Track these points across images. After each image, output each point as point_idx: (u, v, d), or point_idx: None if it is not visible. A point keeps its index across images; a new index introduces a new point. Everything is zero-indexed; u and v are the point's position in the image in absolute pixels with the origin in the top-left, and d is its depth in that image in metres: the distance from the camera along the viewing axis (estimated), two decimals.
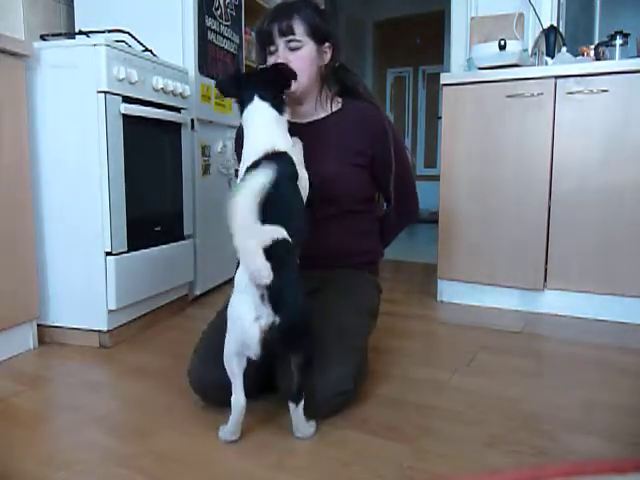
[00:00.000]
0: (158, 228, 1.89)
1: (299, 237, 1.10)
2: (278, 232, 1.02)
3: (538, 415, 1.22)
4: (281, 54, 1.32)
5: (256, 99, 1.21)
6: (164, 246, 1.90)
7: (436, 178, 2.31)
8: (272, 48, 1.34)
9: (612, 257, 1.91)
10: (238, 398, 1.06)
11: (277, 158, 1.14)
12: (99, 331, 1.68)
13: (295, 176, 1.17)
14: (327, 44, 1.36)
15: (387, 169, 1.42)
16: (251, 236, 0.95)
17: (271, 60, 1.35)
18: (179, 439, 1.11)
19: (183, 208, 2.03)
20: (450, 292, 2.24)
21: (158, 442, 1.10)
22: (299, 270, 1.07)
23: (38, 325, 1.68)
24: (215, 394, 1.21)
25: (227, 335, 1.05)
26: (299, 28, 1.31)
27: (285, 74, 1.25)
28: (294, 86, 1.34)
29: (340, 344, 1.21)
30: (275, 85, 1.24)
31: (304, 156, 1.35)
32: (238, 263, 1.02)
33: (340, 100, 1.44)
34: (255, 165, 1.13)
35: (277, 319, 0.98)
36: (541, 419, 1.20)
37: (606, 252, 1.92)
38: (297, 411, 1.08)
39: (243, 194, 0.93)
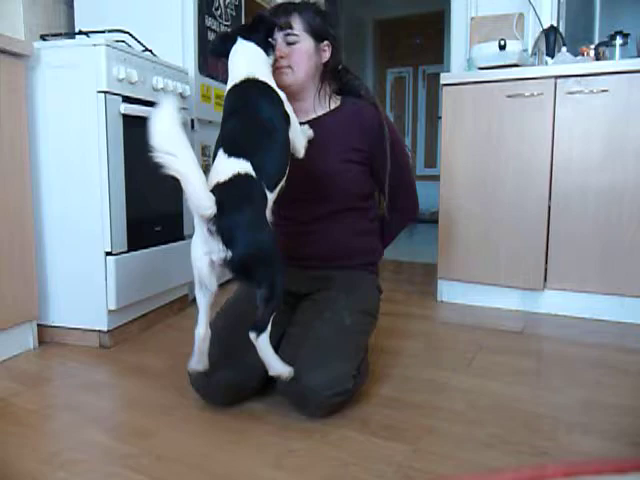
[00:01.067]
0: (158, 228, 1.89)
1: (272, 170, 1.08)
2: (240, 166, 1.02)
3: (538, 415, 1.22)
4: (278, 47, 1.33)
5: (239, 40, 1.19)
6: (164, 246, 1.90)
7: (436, 178, 2.31)
8: (272, 42, 1.34)
9: (612, 257, 1.91)
10: (199, 329, 1.08)
11: (257, 84, 1.13)
12: (99, 331, 1.68)
13: (276, 101, 1.14)
14: (326, 43, 1.38)
15: (383, 165, 1.42)
16: (191, 163, 0.93)
17: None
18: (179, 439, 1.11)
19: (183, 208, 2.03)
20: (450, 292, 2.24)
21: (158, 442, 1.10)
22: (261, 205, 1.05)
23: (38, 325, 1.68)
24: (215, 394, 1.21)
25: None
26: (297, 24, 1.34)
27: (268, 19, 1.24)
28: (291, 79, 1.35)
29: (340, 343, 1.22)
30: (259, 28, 1.21)
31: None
32: None
33: (339, 98, 1.45)
34: (234, 88, 1.12)
35: (229, 254, 0.97)
36: (541, 419, 1.20)
37: (606, 252, 1.92)
38: (258, 342, 1.05)
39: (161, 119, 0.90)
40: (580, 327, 1.90)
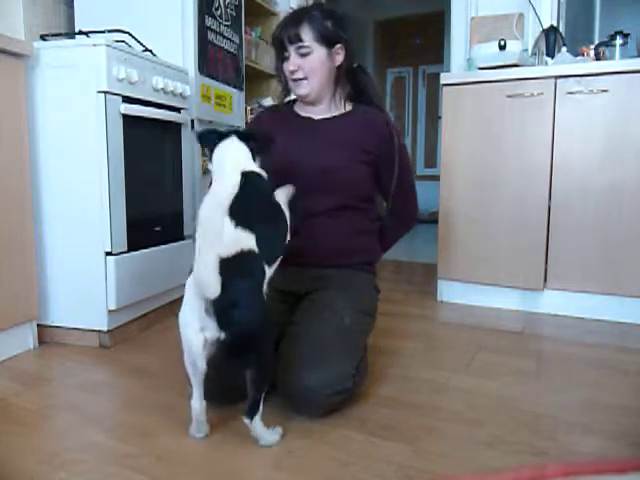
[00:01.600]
0: (158, 228, 1.89)
1: (274, 247, 1.09)
2: (246, 241, 0.99)
3: (538, 415, 1.22)
4: (292, 60, 1.38)
5: (233, 137, 1.16)
6: (164, 246, 1.90)
7: (436, 178, 2.31)
8: (285, 54, 1.39)
9: (612, 257, 1.91)
10: (195, 403, 1.06)
11: (255, 176, 1.12)
12: (99, 331, 1.68)
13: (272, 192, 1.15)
14: (338, 46, 1.39)
15: (390, 173, 1.44)
16: (216, 243, 0.93)
17: (285, 66, 1.40)
18: (179, 439, 1.11)
19: (183, 208, 2.03)
20: (450, 292, 2.24)
21: (158, 442, 1.10)
22: (260, 283, 1.03)
23: (38, 325, 1.68)
24: (215, 394, 1.21)
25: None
26: (307, 35, 1.35)
27: (266, 139, 1.21)
28: (307, 89, 1.39)
29: (339, 343, 1.22)
30: (256, 140, 1.18)
31: (312, 148, 1.40)
32: (191, 269, 0.99)
33: (351, 104, 1.48)
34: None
35: (222, 335, 0.95)
36: (541, 419, 1.20)
37: (606, 252, 1.92)
38: (253, 425, 1.04)
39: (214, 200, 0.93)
40: (580, 327, 1.90)
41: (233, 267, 0.94)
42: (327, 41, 1.37)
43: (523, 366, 1.53)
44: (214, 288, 0.92)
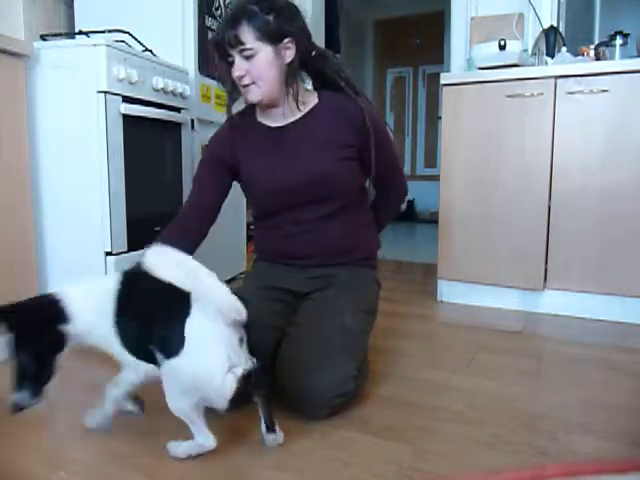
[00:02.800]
0: (158, 228, 1.88)
1: None
2: None
3: (538, 415, 1.22)
4: (237, 65, 1.25)
5: None
6: None
7: (436, 178, 2.32)
8: (230, 59, 1.27)
9: (612, 257, 1.91)
10: (210, 441, 1.00)
11: None
12: None
13: None
14: (286, 40, 1.25)
15: (370, 157, 1.36)
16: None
17: (232, 70, 1.28)
18: (179, 439, 1.10)
19: None
20: (450, 292, 2.24)
21: (158, 442, 1.09)
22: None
23: None
24: None
25: (179, 394, 0.96)
26: (248, 36, 1.22)
27: None
28: (259, 95, 1.28)
29: (341, 344, 1.21)
30: None
31: (289, 162, 1.34)
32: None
33: (315, 94, 1.38)
34: None
35: (253, 362, 0.91)
36: (541, 419, 1.20)
37: (606, 252, 1.92)
38: (278, 437, 1.04)
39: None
40: (580, 327, 1.90)
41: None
42: (271, 38, 1.23)
43: (523, 366, 1.53)
44: (241, 305, 0.89)
